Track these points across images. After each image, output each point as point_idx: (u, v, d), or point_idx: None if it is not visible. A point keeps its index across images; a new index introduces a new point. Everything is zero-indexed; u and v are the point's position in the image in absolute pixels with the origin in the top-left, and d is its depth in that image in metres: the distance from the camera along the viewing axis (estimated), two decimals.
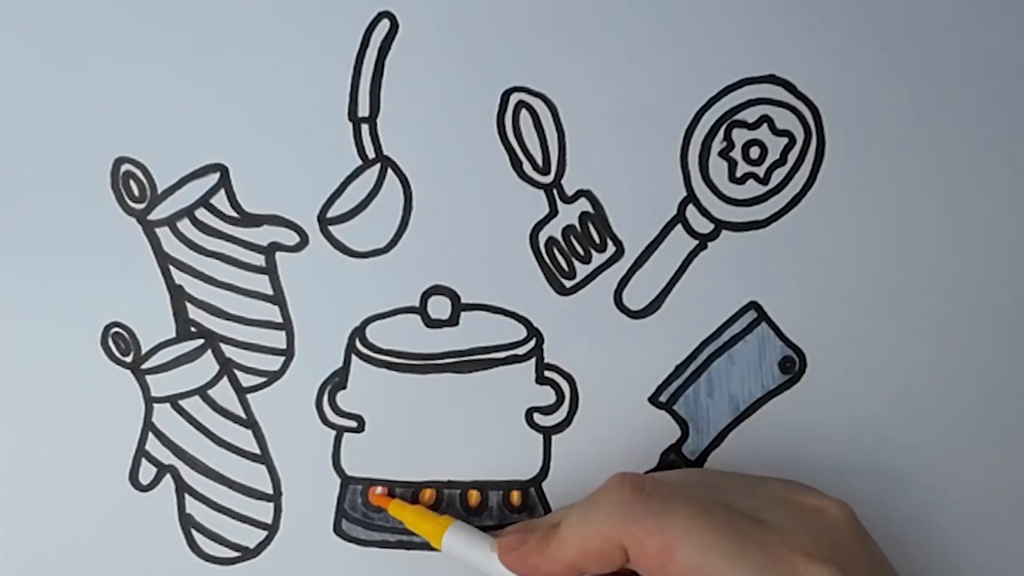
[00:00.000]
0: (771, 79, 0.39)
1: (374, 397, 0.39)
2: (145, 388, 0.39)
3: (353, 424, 0.39)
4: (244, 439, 0.39)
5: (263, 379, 0.39)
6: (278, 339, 0.39)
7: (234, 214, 0.39)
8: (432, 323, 0.39)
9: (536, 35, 0.39)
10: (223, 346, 0.39)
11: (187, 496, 0.39)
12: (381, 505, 0.39)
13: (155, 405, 0.39)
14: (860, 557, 0.33)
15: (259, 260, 0.39)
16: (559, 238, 0.39)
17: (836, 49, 0.39)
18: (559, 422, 0.39)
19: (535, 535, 0.36)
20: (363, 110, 0.39)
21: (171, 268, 0.39)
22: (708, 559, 0.31)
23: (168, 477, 0.39)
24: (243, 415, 0.39)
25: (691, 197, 0.39)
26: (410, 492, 0.39)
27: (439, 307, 0.39)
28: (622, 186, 0.39)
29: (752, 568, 0.31)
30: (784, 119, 0.39)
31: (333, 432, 0.39)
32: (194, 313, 0.39)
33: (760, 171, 0.39)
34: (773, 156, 0.39)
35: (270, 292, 0.39)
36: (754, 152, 0.39)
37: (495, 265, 0.39)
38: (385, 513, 0.39)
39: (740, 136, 0.39)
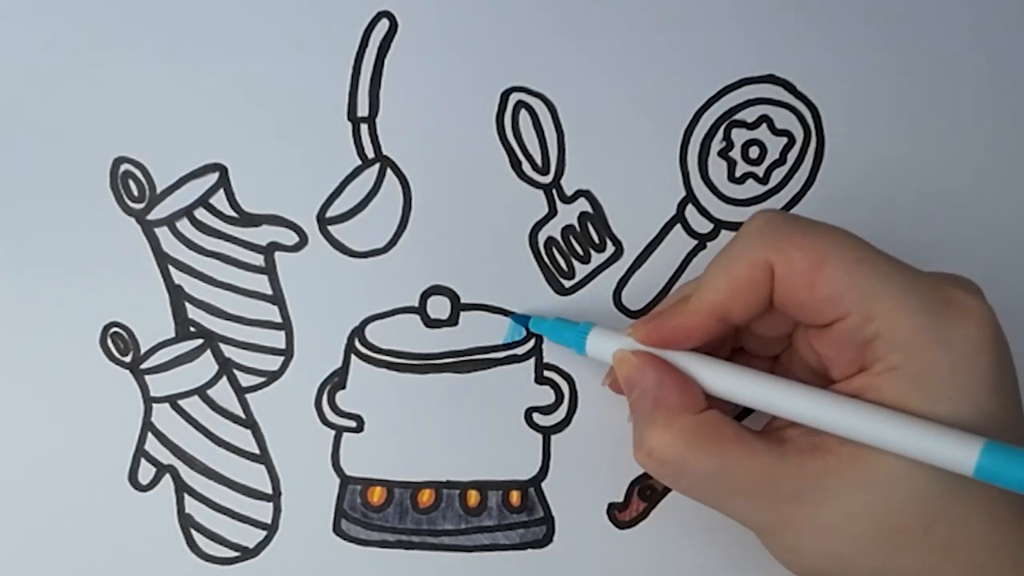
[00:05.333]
0: (770, 79, 0.39)
1: (373, 397, 0.39)
2: (144, 388, 0.39)
3: (352, 424, 0.39)
4: (243, 439, 0.39)
5: (262, 379, 0.39)
6: (277, 339, 0.39)
7: (233, 214, 0.39)
8: (431, 323, 0.39)
9: (536, 35, 0.39)
10: (222, 346, 0.39)
11: (186, 496, 0.39)
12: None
13: (154, 405, 0.39)
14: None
15: (258, 260, 0.39)
16: (558, 238, 0.39)
17: (836, 49, 0.39)
18: (558, 422, 0.39)
19: (669, 303, 0.34)
20: (362, 110, 0.39)
21: (170, 268, 0.39)
22: (860, 271, 0.30)
23: (167, 477, 0.39)
24: (242, 415, 0.39)
25: (690, 197, 0.39)
26: (409, 492, 0.39)
27: (438, 307, 0.39)
28: (621, 186, 0.39)
29: (904, 285, 0.30)
30: (783, 119, 0.39)
31: (332, 432, 0.39)
32: (193, 313, 0.39)
33: (759, 171, 0.39)
34: (772, 156, 0.39)
35: (269, 292, 0.39)
36: (753, 152, 0.39)
37: (494, 265, 0.39)
38: (385, 512, 0.39)
39: (739, 136, 0.39)
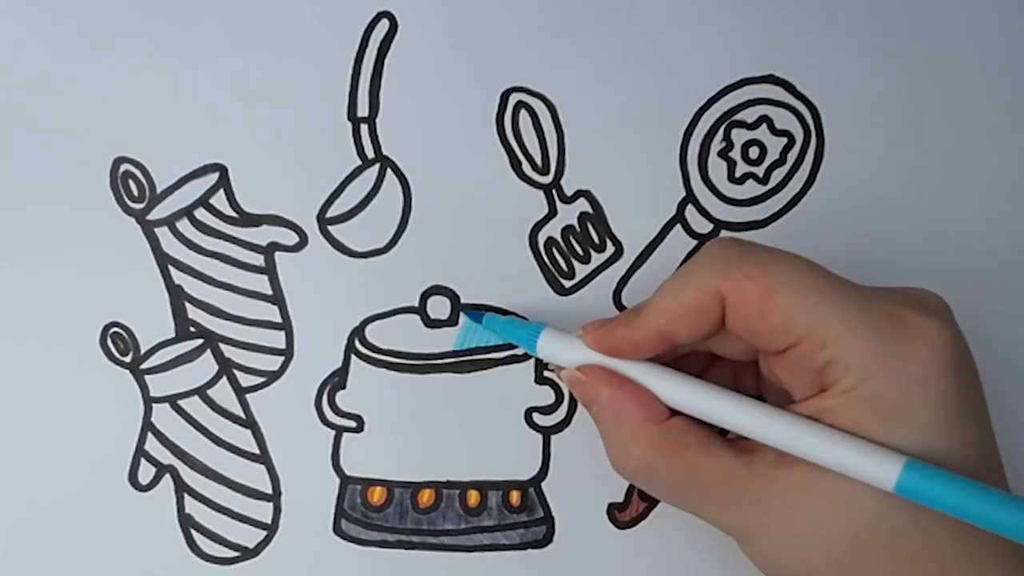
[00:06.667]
0: (770, 79, 0.39)
1: (373, 397, 0.39)
2: (144, 388, 0.39)
3: (352, 424, 0.39)
4: (243, 439, 0.39)
5: (262, 379, 0.39)
6: (277, 339, 0.39)
7: (233, 214, 0.39)
8: (432, 323, 0.39)
9: (536, 35, 0.39)
10: (222, 346, 0.39)
11: (187, 496, 0.39)
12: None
13: (154, 405, 0.39)
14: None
15: (258, 260, 0.39)
16: (558, 238, 0.39)
17: (835, 49, 0.39)
18: (558, 422, 0.39)
19: (622, 313, 0.34)
20: (362, 110, 0.39)
21: (170, 268, 0.39)
22: (811, 300, 0.30)
23: (167, 477, 0.39)
24: (242, 415, 0.39)
25: (690, 197, 0.39)
26: (409, 492, 0.39)
27: (438, 307, 0.39)
28: (621, 186, 0.39)
29: (857, 310, 0.30)
30: (783, 119, 0.39)
31: (332, 432, 0.39)
32: (193, 313, 0.39)
33: (759, 171, 0.39)
34: (772, 156, 0.39)
35: (269, 292, 0.39)
36: (753, 152, 0.39)
37: (494, 265, 0.39)
38: (385, 512, 0.39)
39: (739, 136, 0.39)
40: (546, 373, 0.39)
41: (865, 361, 0.30)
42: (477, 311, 0.38)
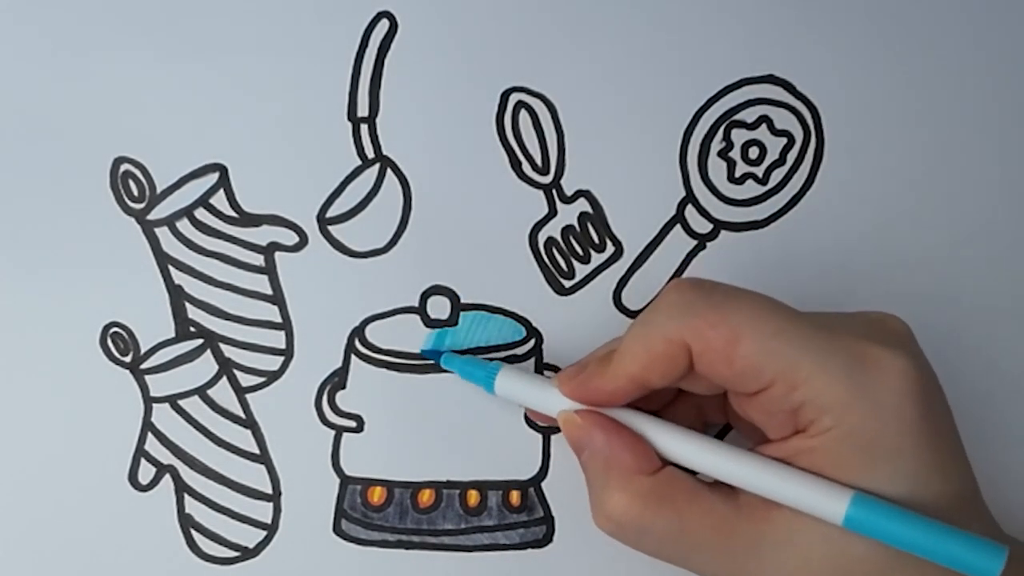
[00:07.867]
0: (770, 79, 0.39)
1: (373, 397, 0.39)
2: (144, 388, 0.39)
3: (352, 424, 0.39)
4: (243, 439, 0.39)
5: (262, 379, 0.39)
6: (277, 339, 0.39)
7: (233, 214, 0.39)
8: (432, 323, 0.39)
9: (536, 35, 0.39)
10: (222, 346, 0.39)
11: (186, 496, 0.39)
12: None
13: (154, 405, 0.39)
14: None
15: (258, 260, 0.39)
16: (558, 238, 0.39)
17: (835, 49, 0.39)
18: None
19: (594, 360, 0.34)
20: (362, 110, 0.39)
21: (170, 268, 0.39)
22: (776, 343, 0.30)
23: (167, 477, 0.39)
24: (242, 415, 0.39)
25: (690, 197, 0.39)
26: (409, 492, 0.39)
27: (438, 307, 0.39)
28: (621, 186, 0.39)
29: (822, 348, 0.30)
30: (783, 119, 0.39)
31: (332, 432, 0.39)
32: (193, 313, 0.39)
33: (759, 171, 0.39)
34: (772, 156, 0.39)
35: (269, 292, 0.39)
36: (753, 152, 0.39)
37: (494, 265, 0.39)
38: (385, 512, 0.39)
39: (739, 136, 0.39)
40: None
41: (839, 399, 0.30)
42: (437, 350, 0.38)
